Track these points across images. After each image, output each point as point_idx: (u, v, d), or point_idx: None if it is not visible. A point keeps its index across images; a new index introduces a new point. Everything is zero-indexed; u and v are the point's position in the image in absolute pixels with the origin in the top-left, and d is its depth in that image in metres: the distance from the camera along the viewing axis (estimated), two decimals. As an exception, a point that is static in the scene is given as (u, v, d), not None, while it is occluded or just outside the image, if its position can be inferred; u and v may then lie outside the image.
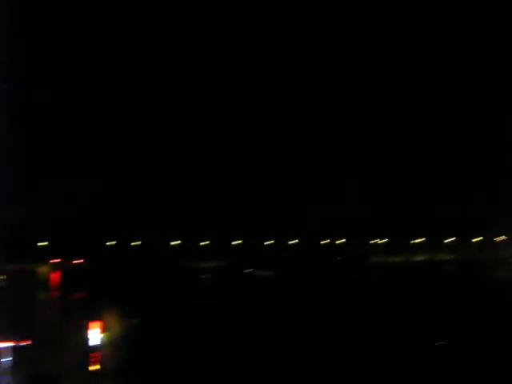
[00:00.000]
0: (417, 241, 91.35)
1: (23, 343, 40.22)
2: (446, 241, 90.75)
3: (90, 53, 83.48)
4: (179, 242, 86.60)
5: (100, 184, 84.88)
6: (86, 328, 41.53)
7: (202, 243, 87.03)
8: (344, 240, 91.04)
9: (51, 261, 79.79)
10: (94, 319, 42.14)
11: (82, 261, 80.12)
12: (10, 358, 38.25)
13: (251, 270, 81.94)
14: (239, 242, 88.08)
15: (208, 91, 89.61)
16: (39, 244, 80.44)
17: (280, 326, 51.50)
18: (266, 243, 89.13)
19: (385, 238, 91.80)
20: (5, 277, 72.16)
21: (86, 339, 40.81)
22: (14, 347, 38.94)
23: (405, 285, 72.71)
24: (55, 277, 76.54)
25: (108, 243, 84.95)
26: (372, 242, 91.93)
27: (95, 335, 40.56)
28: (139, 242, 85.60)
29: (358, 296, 64.47)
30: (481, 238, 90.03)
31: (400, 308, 57.77)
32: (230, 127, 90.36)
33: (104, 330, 40.99)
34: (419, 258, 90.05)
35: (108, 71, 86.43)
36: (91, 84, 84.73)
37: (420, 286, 71.51)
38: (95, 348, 40.35)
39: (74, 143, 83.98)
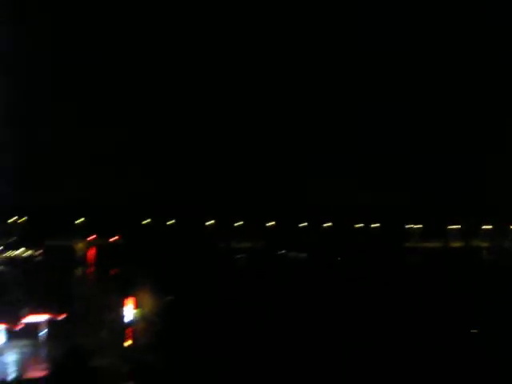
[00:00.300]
0: (453, 227, 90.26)
1: (59, 317, 40.94)
2: (484, 227, 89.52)
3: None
4: (213, 221, 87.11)
5: (137, 164, 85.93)
6: (121, 304, 42.00)
7: (236, 224, 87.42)
8: (378, 224, 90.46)
9: (88, 237, 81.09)
10: (128, 295, 42.56)
11: (117, 238, 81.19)
12: (46, 331, 38.98)
13: (285, 251, 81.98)
14: (273, 223, 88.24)
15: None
16: (77, 221, 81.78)
17: (314, 308, 51.33)
18: (299, 225, 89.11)
19: (420, 224, 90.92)
20: (41, 252, 73.67)
21: (121, 315, 41.30)
22: (49, 321, 39.66)
23: (440, 271, 71.86)
24: (91, 253, 77.79)
25: (144, 221, 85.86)
26: (407, 226, 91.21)
27: (129, 311, 41.01)
28: (173, 221, 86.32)
29: (390, 281, 63.90)
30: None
31: (435, 294, 57.06)
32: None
33: (137, 307, 41.43)
34: (456, 244, 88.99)
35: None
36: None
37: (456, 273, 70.45)
38: (129, 324, 40.82)
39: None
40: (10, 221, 78.25)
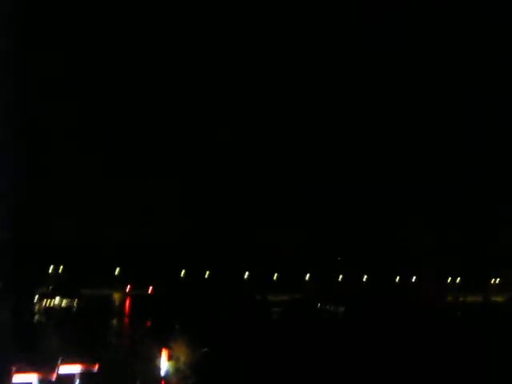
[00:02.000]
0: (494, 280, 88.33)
1: (93, 368, 40.57)
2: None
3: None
4: (249, 274, 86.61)
5: (176, 213, 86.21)
6: (156, 356, 41.64)
7: (274, 276, 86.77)
8: (415, 278, 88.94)
9: (125, 287, 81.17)
10: (163, 347, 42.19)
11: (153, 288, 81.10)
12: (80, 382, 38.68)
13: (322, 304, 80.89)
14: (309, 276, 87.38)
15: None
16: (115, 270, 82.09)
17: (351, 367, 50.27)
18: (337, 279, 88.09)
19: (461, 277, 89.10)
20: (77, 301, 73.80)
21: (156, 367, 40.86)
22: (83, 372, 39.34)
23: (483, 327, 69.92)
24: (127, 303, 77.72)
25: (181, 273, 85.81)
26: (448, 280, 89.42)
27: (163, 363, 40.58)
28: (209, 272, 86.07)
29: (429, 338, 62.37)
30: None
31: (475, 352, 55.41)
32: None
33: (171, 358, 40.99)
34: (498, 298, 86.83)
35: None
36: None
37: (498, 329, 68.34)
38: (163, 376, 40.32)
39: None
40: (48, 270, 79.05)
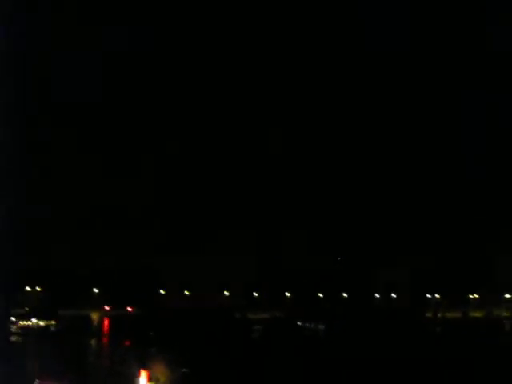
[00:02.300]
0: (474, 296, 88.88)
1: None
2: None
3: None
4: (229, 292, 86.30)
5: (152, 234, 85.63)
6: (135, 376, 41.11)
7: (254, 294, 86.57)
8: (395, 296, 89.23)
9: (103, 307, 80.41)
10: (142, 367, 41.68)
11: (132, 308, 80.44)
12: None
13: (302, 322, 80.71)
14: (290, 294, 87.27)
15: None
16: (93, 290, 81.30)
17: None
18: (318, 295, 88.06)
19: (440, 293, 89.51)
20: (55, 322, 72.94)
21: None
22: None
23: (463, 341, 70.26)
24: (106, 323, 76.96)
25: (160, 291, 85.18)
26: (428, 296, 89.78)
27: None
28: (188, 292, 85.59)
29: (413, 352, 62.38)
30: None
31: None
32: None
33: (150, 379, 40.48)
34: (476, 313, 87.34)
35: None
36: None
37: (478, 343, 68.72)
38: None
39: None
40: (26, 290, 78.15)
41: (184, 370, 49.29)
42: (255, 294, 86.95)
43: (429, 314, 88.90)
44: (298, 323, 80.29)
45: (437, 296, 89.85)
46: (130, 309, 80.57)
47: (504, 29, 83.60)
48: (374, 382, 49.81)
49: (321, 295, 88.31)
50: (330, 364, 55.91)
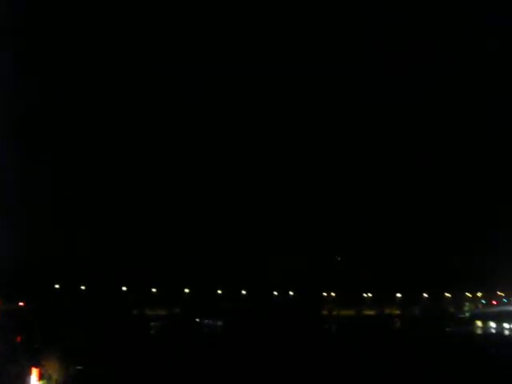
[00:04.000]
0: (367, 295, 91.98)
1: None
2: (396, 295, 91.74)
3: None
4: (127, 288, 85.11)
5: (49, 228, 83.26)
6: (26, 374, 39.87)
7: (152, 290, 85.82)
8: (292, 293, 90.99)
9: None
10: (32, 365, 40.43)
11: (24, 303, 77.78)
12: None
13: (201, 318, 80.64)
14: (189, 290, 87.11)
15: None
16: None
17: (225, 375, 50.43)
18: (216, 292, 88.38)
19: (336, 292, 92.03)
20: None
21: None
22: None
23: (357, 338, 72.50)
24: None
25: (55, 286, 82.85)
26: (324, 294, 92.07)
27: (33, 382, 38.84)
28: (85, 287, 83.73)
29: (308, 349, 63.72)
30: (427, 294, 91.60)
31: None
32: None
33: (42, 378, 39.36)
34: (369, 311, 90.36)
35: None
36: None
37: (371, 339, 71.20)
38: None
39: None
40: None
41: (78, 367, 48.19)
42: (154, 289, 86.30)
43: (325, 312, 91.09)
44: (197, 320, 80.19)
45: (332, 294, 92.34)
46: (21, 303, 77.77)
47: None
48: (269, 378, 50.53)
49: (220, 292, 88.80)
50: (225, 360, 56.33)
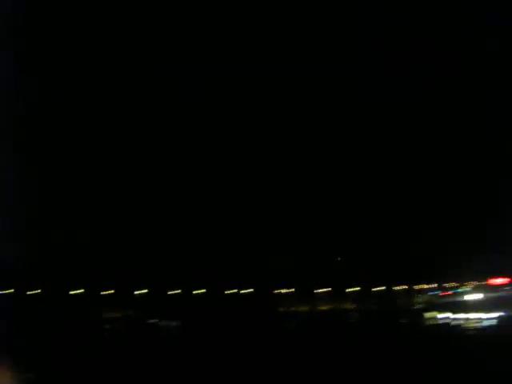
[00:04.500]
0: (321, 290, 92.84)
1: None
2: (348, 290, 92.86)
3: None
4: (81, 290, 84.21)
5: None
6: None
7: (104, 292, 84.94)
8: (251, 290, 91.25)
9: None
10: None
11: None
12: None
13: (156, 320, 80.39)
14: (143, 291, 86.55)
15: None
16: None
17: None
18: (170, 292, 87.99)
19: (291, 288, 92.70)
20: None
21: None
22: None
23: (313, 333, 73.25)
24: None
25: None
26: (278, 291, 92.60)
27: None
28: (38, 291, 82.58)
29: (266, 346, 64.06)
30: (382, 287, 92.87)
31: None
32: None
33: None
34: (324, 307, 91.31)
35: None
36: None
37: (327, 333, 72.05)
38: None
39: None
40: None
41: (29, 374, 47.52)
42: (110, 291, 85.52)
43: (281, 309, 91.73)
44: (151, 321, 79.95)
45: (289, 290, 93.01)
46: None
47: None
48: (224, 377, 50.59)
49: (174, 292, 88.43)
50: (180, 360, 56.22)
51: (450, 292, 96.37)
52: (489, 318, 74.84)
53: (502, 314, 74.82)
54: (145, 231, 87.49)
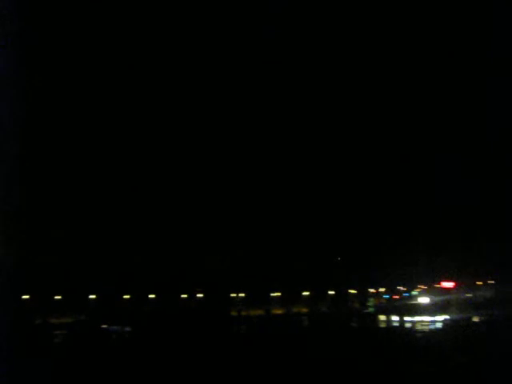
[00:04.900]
0: (275, 294, 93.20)
1: None
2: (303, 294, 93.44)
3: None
4: (29, 295, 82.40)
5: None
6: None
7: (55, 297, 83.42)
8: (202, 295, 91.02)
9: None
10: None
11: None
12: None
13: (107, 325, 79.09)
14: (95, 296, 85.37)
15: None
16: None
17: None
18: (124, 297, 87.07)
19: (244, 292, 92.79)
20: None
21: None
22: None
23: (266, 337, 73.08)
24: None
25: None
26: (232, 295, 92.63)
27: None
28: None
29: (218, 349, 63.70)
30: (333, 291, 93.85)
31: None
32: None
33: None
34: (277, 311, 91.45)
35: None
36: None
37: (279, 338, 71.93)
38: None
39: None
40: None
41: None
42: (58, 297, 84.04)
43: (234, 313, 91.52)
44: (104, 326, 78.59)
45: (241, 295, 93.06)
46: None
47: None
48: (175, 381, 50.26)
49: (127, 296, 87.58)
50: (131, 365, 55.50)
51: (400, 295, 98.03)
52: (435, 320, 76.35)
53: (447, 317, 76.44)
54: (99, 234, 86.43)
